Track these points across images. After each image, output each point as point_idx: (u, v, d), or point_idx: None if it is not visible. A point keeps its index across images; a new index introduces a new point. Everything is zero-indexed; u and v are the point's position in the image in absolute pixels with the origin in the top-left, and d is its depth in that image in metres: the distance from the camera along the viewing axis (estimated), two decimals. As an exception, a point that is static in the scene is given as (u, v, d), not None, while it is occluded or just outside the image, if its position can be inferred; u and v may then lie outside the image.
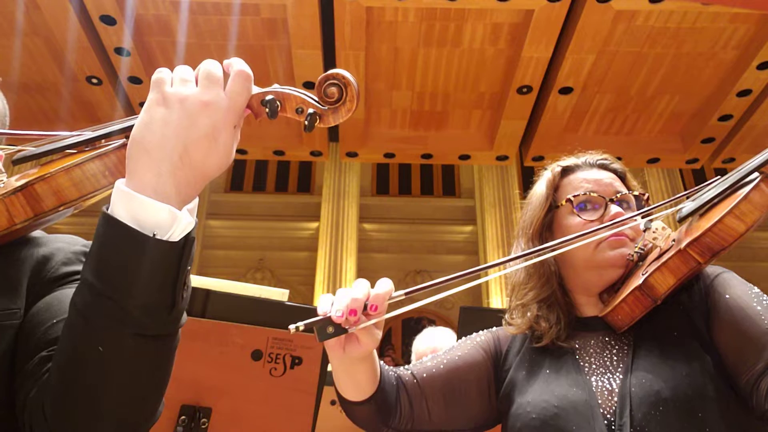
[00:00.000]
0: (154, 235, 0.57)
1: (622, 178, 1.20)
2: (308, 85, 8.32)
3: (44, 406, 0.62)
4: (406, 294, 0.88)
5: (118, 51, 7.76)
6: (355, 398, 1.03)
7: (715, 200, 0.98)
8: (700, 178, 11.11)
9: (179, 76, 0.64)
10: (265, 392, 1.30)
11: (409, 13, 7.24)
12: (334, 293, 0.87)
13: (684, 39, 7.19)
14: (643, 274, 0.99)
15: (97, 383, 0.59)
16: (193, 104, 0.61)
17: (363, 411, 1.05)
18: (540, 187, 1.21)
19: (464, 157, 10.06)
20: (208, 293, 1.30)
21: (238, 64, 0.66)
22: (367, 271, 11.05)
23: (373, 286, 0.87)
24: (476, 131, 9.60)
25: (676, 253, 0.96)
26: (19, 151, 0.77)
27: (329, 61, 7.92)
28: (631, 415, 0.90)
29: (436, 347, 2.13)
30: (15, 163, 0.76)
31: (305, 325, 0.80)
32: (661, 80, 8.03)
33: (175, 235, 0.59)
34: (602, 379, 0.99)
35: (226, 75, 0.66)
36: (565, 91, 8.21)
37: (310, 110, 0.65)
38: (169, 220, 0.58)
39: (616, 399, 0.94)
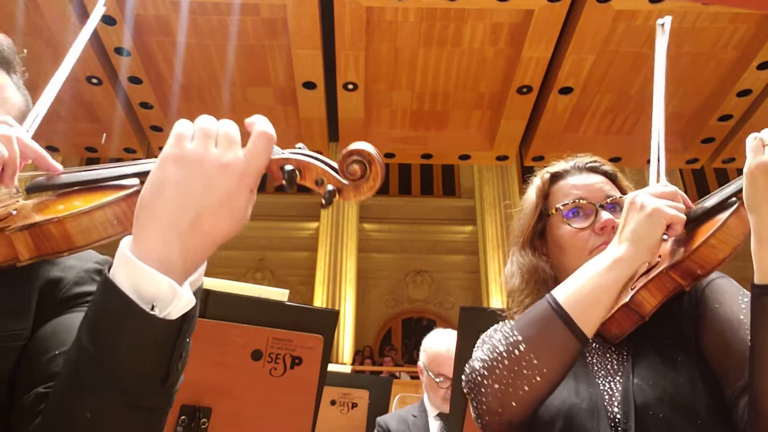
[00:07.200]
0: (153, 307, 0.56)
1: (614, 179, 1.18)
2: (308, 86, 8.34)
3: None
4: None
5: (118, 51, 7.75)
6: (591, 334, 0.91)
7: (702, 218, 0.97)
8: (700, 178, 11.12)
9: (204, 130, 0.59)
10: (265, 392, 1.30)
11: (409, 13, 7.24)
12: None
13: (684, 39, 7.19)
14: (631, 289, 0.99)
15: None
16: (211, 166, 0.57)
17: (577, 355, 0.91)
18: (530, 195, 1.19)
19: (464, 157, 10.06)
20: (208, 293, 1.30)
21: (261, 124, 0.61)
22: (367, 271, 11.05)
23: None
24: (476, 131, 9.60)
25: (659, 274, 0.96)
26: (35, 176, 0.76)
27: (329, 61, 7.92)
28: (636, 419, 0.90)
29: (450, 348, 2.18)
30: (29, 191, 0.75)
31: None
32: (661, 80, 8.03)
33: (175, 311, 0.57)
34: (605, 382, 0.99)
35: (246, 134, 0.62)
36: (565, 91, 8.21)
37: (330, 186, 0.62)
38: (170, 293, 0.56)
39: (618, 404, 0.95)
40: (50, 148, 9.64)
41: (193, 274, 0.60)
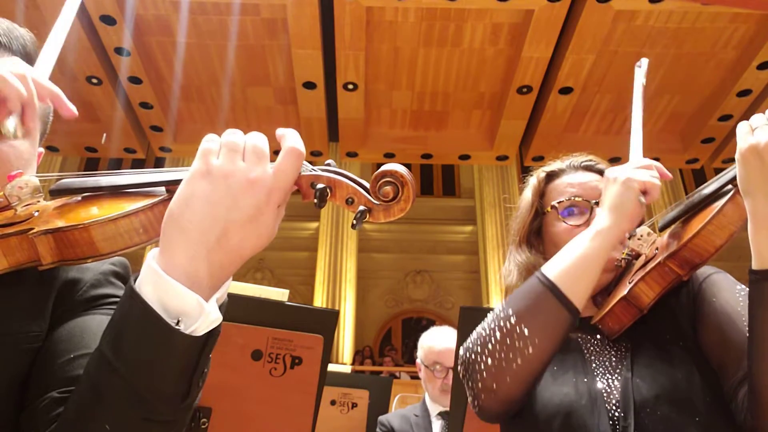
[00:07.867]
0: (178, 321, 0.55)
1: None
2: (308, 86, 8.34)
3: None
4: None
5: (118, 51, 7.76)
6: (580, 305, 0.91)
7: (696, 208, 0.97)
8: (700, 178, 11.13)
9: (229, 145, 0.59)
10: (265, 392, 1.30)
11: (409, 13, 7.25)
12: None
13: (684, 39, 7.19)
14: (629, 283, 0.99)
15: None
16: (238, 182, 0.57)
17: (568, 328, 0.91)
18: (527, 194, 1.21)
19: (464, 157, 10.06)
20: (208, 293, 1.30)
21: (291, 139, 0.60)
22: (367, 271, 11.05)
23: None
24: (476, 131, 9.61)
25: (657, 265, 0.96)
26: (59, 179, 0.74)
27: (329, 61, 7.92)
28: (635, 416, 0.91)
29: (444, 339, 2.21)
30: (53, 193, 0.73)
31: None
32: (661, 80, 8.03)
33: (200, 329, 0.56)
34: (604, 379, 0.99)
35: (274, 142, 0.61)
36: (565, 91, 8.21)
37: (361, 207, 0.61)
38: (196, 309, 0.56)
39: (617, 400, 0.95)
40: (50, 148, 9.66)
41: (219, 290, 0.59)
